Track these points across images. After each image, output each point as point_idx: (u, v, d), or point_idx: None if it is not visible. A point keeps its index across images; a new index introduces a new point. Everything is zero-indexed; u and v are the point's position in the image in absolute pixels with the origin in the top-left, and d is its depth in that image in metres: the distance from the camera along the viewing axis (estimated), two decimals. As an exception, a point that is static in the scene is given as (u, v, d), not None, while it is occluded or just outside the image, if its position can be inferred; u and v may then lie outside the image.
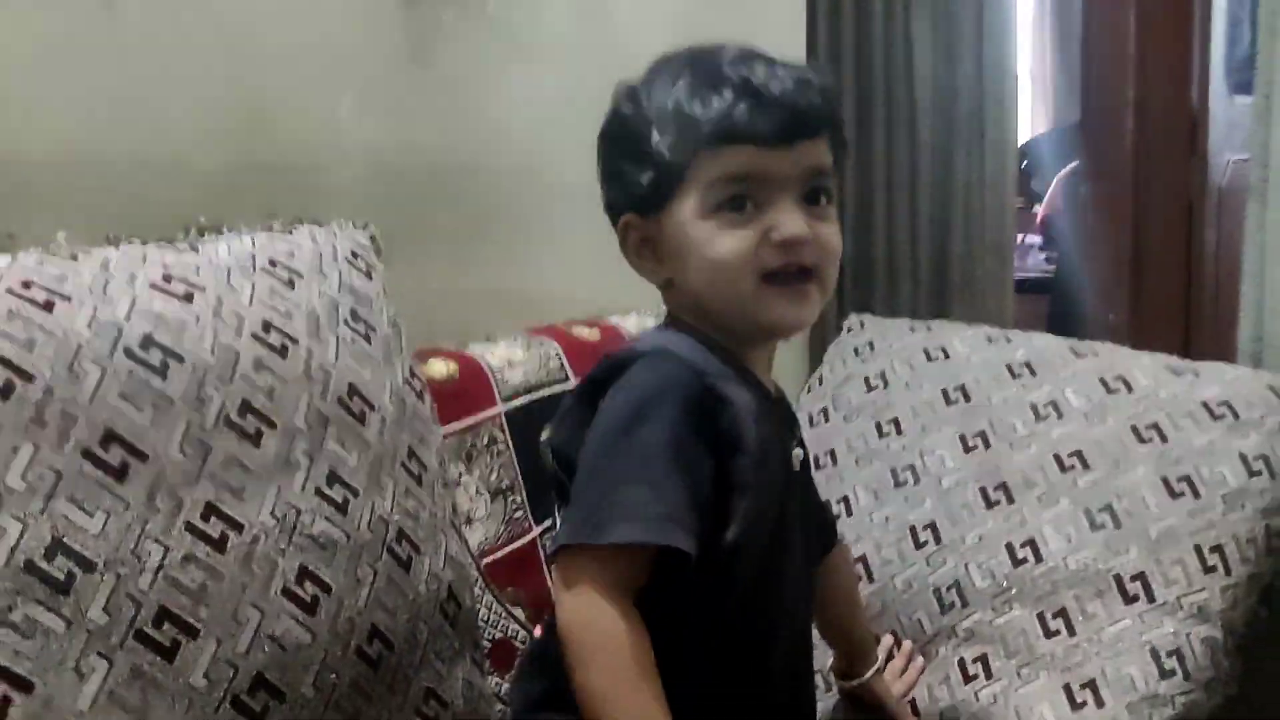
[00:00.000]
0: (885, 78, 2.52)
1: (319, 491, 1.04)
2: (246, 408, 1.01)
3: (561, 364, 1.57)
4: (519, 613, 1.39)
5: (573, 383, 1.54)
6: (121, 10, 1.27)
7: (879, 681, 1.31)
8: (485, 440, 1.47)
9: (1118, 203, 3.63)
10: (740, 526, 0.93)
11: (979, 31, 2.54)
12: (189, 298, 1.03)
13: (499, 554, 1.41)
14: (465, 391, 1.47)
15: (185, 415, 0.97)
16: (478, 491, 1.42)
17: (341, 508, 1.05)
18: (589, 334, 1.66)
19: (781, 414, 1.06)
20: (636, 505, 0.86)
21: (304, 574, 1.00)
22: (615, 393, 0.93)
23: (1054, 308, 3.88)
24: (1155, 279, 3.61)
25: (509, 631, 1.36)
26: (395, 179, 1.55)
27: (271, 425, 1.02)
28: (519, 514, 1.45)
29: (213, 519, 0.96)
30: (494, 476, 1.45)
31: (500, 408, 1.50)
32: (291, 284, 1.12)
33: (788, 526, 1.01)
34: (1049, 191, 4.25)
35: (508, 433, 1.49)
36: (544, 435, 1.01)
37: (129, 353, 0.96)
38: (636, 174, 0.96)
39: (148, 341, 0.97)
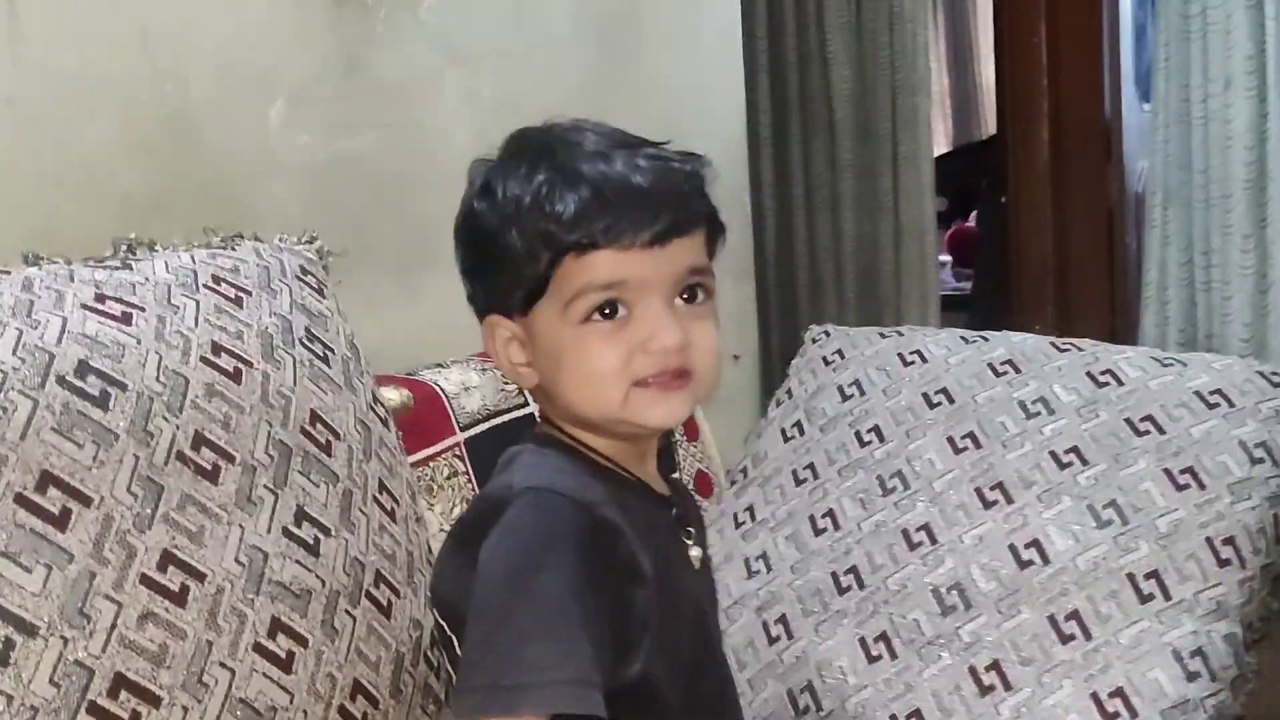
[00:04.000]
0: (800, 93, 2.48)
1: (287, 531, 0.92)
2: (200, 440, 0.89)
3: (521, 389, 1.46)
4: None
5: (535, 408, 1.43)
6: (29, 21, 1.14)
7: None
8: (446, 472, 1.35)
9: (1038, 214, 3.64)
10: (647, 657, 0.86)
11: (891, 48, 2.51)
12: (127, 318, 0.91)
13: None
14: (422, 420, 1.35)
15: (132, 450, 0.84)
16: (441, 529, 1.30)
17: (313, 549, 0.93)
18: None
19: (678, 512, 0.98)
20: (547, 668, 0.78)
21: (276, 626, 0.88)
22: (499, 538, 0.83)
23: (973, 323, 3.87)
24: (1079, 287, 3.63)
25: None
26: (332, 192, 1.44)
27: (229, 458, 0.90)
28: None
29: (171, 568, 0.84)
30: (458, 511, 1.33)
31: (459, 436, 1.39)
32: (239, 302, 1.00)
33: (706, 627, 0.96)
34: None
35: (469, 463, 1.37)
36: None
37: (63, 381, 0.83)
38: (495, 276, 0.88)
39: (84, 368, 0.85)
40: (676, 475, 1.55)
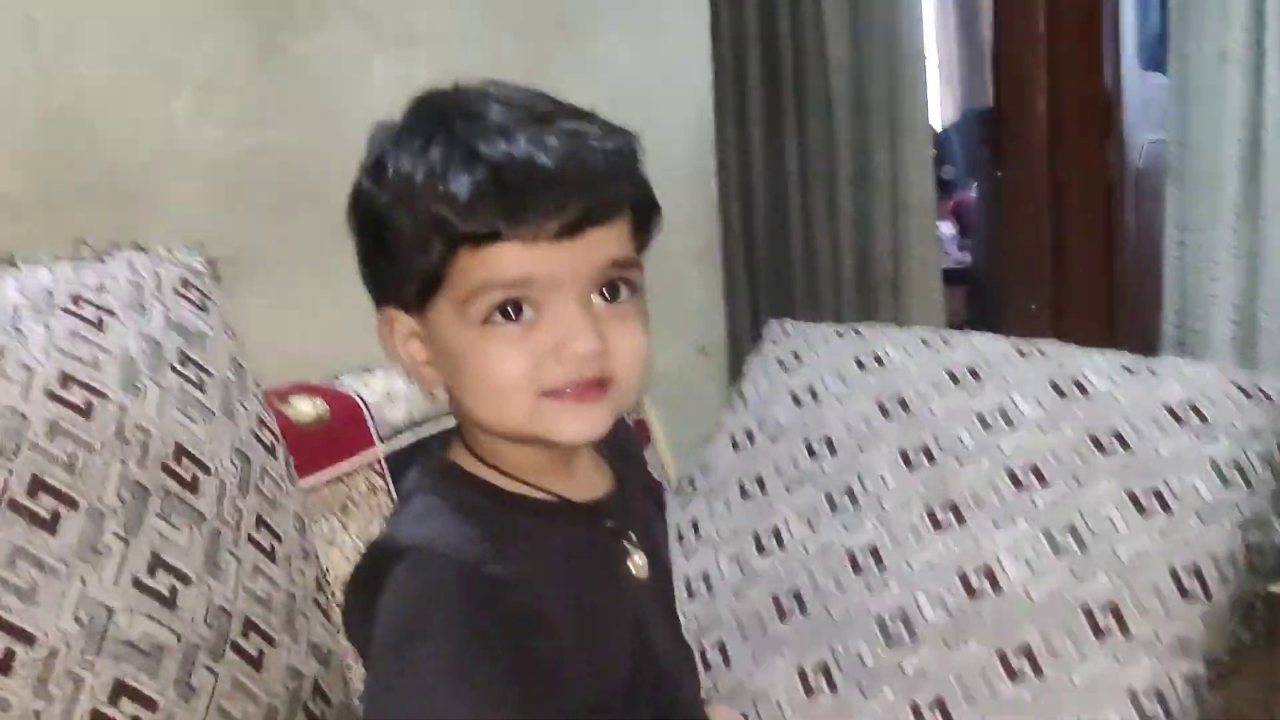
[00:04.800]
0: (794, 65, 2.37)
1: (138, 583, 0.84)
2: (38, 485, 0.81)
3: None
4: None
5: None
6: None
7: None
8: (364, 488, 1.28)
9: (1035, 188, 3.55)
10: (567, 701, 0.79)
11: (889, 14, 2.41)
12: (-42, 350, 0.82)
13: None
14: (338, 433, 1.28)
15: (-50, 502, 0.76)
16: (356, 551, 1.23)
17: (168, 601, 0.85)
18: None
19: (613, 523, 0.89)
20: None
21: (120, 690, 0.80)
22: (387, 600, 0.76)
23: (972, 298, 3.80)
24: (1076, 264, 3.55)
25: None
26: (244, 189, 1.35)
27: (72, 505, 0.82)
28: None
29: (-7, 633, 0.76)
30: (375, 529, 1.26)
31: (379, 449, 1.32)
32: (100, 324, 0.92)
33: (649, 642, 0.88)
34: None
35: (389, 479, 1.30)
36: None
37: None
38: (386, 266, 0.78)
39: (-102, 411, 0.77)
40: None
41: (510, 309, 0.75)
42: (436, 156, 0.73)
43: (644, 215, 0.81)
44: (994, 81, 3.61)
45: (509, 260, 0.73)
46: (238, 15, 1.34)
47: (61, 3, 1.18)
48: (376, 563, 0.79)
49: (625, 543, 0.88)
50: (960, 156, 4.47)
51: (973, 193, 4.30)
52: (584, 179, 0.74)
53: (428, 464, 0.86)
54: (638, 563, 0.89)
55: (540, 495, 0.83)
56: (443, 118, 0.76)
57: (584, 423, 0.78)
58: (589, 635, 0.81)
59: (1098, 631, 1.18)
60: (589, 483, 0.87)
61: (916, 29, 2.51)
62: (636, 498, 0.93)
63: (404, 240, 0.75)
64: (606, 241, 0.76)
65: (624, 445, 0.94)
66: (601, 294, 0.77)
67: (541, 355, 0.76)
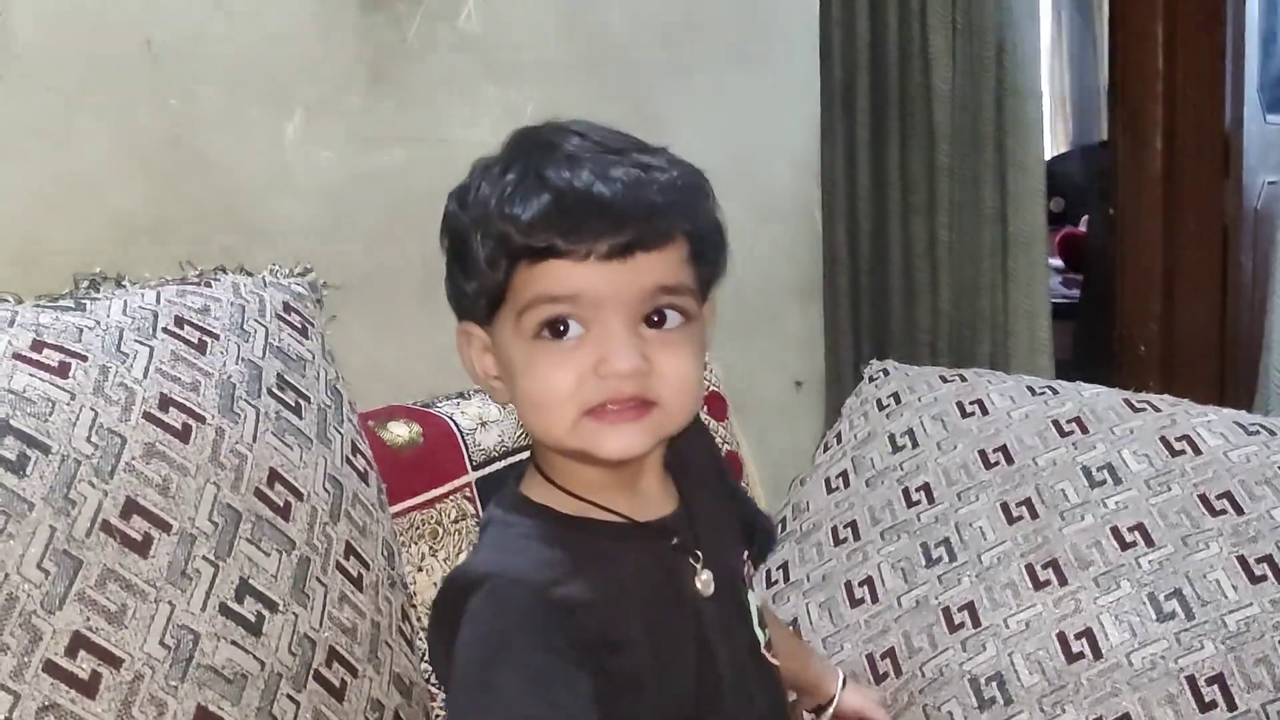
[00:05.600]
0: (900, 96, 2.34)
1: (224, 608, 0.84)
2: (132, 507, 0.82)
3: (543, 424, 1.37)
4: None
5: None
6: (22, 31, 1.08)
7: (850, 697, 1.18)
8: (453, 515, 1.27)
9: (1148, 226, 3.45)
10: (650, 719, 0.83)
11: (1000, 47, 2.36)
12: (63, 370, 0.84)
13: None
14: (430, 458, 1.28)
15: (48, 522, 0.77)
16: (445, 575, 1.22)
17: (254, 627, 0.85)
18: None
19: (679, 541, 0.90)
20: None
21: (202, 716, 0.80)
22: (465, 632, 0.79)
23: (1077, 336, 3.71)
24: (1188, 307, 3.44)
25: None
26: (350, 214, 1.36)
27: (165, 527, 0.83)
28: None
29: (81, 654, 0.76)
30: (464, 556, 1.25)
31: (471, 476, 1.31)
32: (203, 347, 0.93)
33: (713, 662, 0.88)
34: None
35: (479, 506, 1.29)
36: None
37: (-24, 445, 0.76)
38: (465, 282, 0.83)
39: (2, 429, 0.78)
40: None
41: (560, 325, 0.79)
42: (510, 181, 0.79)
43: (705, 246, 0.84)
44: (1109, 116, 3.54)
45: (560, 275, 0.78)
46: (352, 40, 1.36)
47: (179, 26, 1.20)
48: (453, 594, 0.82)
49: (691, 560, 0.90)
50: (1069, 190, 4.39)
51: (1081, 227, 4.21)
52: (638, 206, 0.78)
53: (500, 496, 0.91)
54: (704, 580, 0.90)
55: (606, 516, 0.86)
56: (524, 148, 0.82)
57: (621, 441, 0.81)
58: (658, 653, 0.83)
59: (1201, 704, 1.13)
60: (654, 502, 0.90)
61: (1032, 65, 2.46)
62: (708, 515, 0.94)
63: (478, 258, 0.80)
64: (656, 267, 0.80)
65: (687, 461, 0.95)
66: (650, 320, 0.81)
67: (584, 372, 0.79)
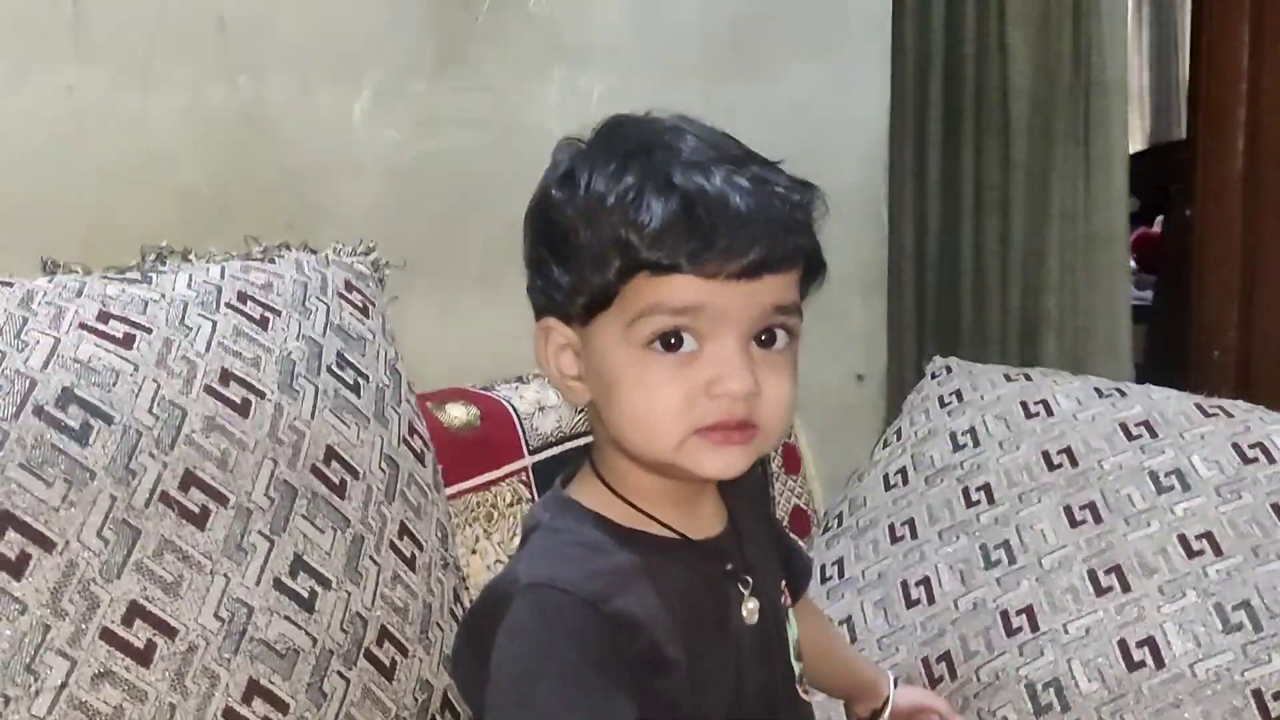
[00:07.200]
0: (975, 90, 2.30)
1: (279, 583, 0.85)
2: (190, 480, 0.82)
3: (601, 410, 1.37)
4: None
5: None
6: (94, 5, 1.09)
7: (904, 694, 1.13)
8: (509, 499, 1.27)
9: (1227, 228, 3.37)
10: None
11: (1081, 40, 2.31)
12: (128, 341, 0.84)
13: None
14: (487, 441, 1.28)
15: (108, 491, 0.78)
16: (498, 560, 1.23)
17: (307, 603, 0.85)
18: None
19: (732, 566, 0.87)
20: None
21: (254, 689, 0.81)
22: (504, 640, 0.76)
23: (1152, 339, 3.64)
24: (1268, 313, 3.35)
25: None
26: (416, 193, 1.37)
27: (222, 500, 0.83)
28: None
29: (137, 622, 0.77)
30: (517, 540, 1.25)
31: (527, 460, 1.31)
32: (264, 323, 0.94)
33: (744, 694, 0.85)
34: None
35: (535, 490, 1.29)
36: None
37: (40, 412, 0.78)
38: (560, 276, 0.78)
39: (66, 397, 0.79)
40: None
41: (672, 338, 0.75)
42: (631, 181, 0.75)
43: (817, 265, 0.81)
44: (1189, 114, 3.46)
45: (683, 288, 0.74)
46: (422, 20, 1.36)
47: (251, 5, 1.21)
48: (494, 604, 0.79)
49: (740, 585, 0.87)
50: (1144, 189, 4.30)
51: (1156, 227, 4.13)
52: (769, 225, 0.75)
53: (546, 499, 0.86)
54: (750, 608, 0.87)
55: (658, 531, 0.83)
56: (642, 144, 0.77)
57: (725, 461, 0.78)
58: (696, 678, 0.81)
59: (1268, 719, 1.10)
60: (706, 520, 0.86)
61: (1117, 55, 2.41)
62: (751, 534, 0.91)
63: (583, 255, 0.76)
64: (776, 287, 0.77)
65: (737, 479, 0.92)
66: (760, 340, 0.78)
67: (695, 390, 0.76)
